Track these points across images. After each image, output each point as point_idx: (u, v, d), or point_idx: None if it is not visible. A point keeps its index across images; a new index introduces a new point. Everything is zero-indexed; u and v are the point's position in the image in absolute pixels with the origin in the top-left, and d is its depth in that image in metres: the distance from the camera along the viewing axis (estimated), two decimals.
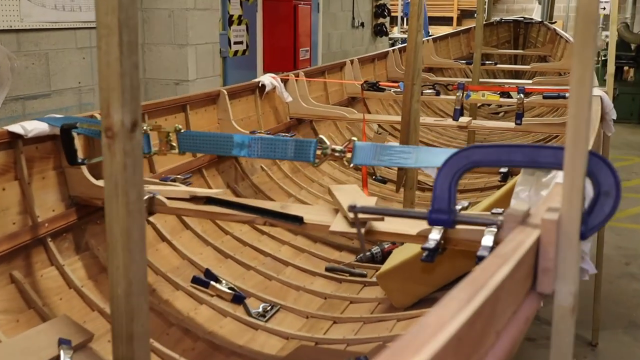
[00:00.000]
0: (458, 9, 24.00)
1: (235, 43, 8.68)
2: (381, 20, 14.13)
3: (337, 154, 2.23)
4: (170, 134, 2.45)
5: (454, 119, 4.54)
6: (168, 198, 2.64)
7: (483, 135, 7.31)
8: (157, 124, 2.95)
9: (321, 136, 2.26)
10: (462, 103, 4.51)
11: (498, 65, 8.43)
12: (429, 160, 2.14)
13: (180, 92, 6.44)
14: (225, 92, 4.17)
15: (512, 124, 4.47)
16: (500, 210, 2.32)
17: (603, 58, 10.74)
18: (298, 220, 2.44)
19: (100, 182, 2.77)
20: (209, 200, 2.61)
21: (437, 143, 6.75)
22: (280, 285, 3.32)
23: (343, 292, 3.33)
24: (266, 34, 9.30)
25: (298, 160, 2.35)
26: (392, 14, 20.40)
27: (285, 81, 5.12)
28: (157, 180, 2.80)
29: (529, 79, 8.41)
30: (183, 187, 2.76)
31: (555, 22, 11.68)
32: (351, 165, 2.22)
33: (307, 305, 3.11)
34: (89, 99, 6.14)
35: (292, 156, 2.27)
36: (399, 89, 4.80)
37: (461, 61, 8.44)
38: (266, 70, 9.00)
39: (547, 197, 1.44)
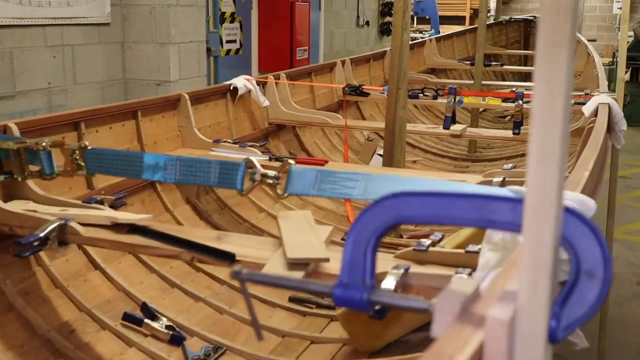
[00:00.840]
0: (471, 8, 23.48)
1: (228, 42, 8.26)
2: (388, 19, 13.69)
3: (269, 181, 1.79)
4: (77, 152, 2.01)
5: (444, 127, 4.08)
6: (84, 225, 2.21)
7: (487, 141, 6.85)
8: (63, 139, 2.51)
9: (251, 157, 1.81)
10: (454, 109, 4.04)
11: (505, 67, 7.94)
12: (382, 190, 1.69)
13: (161, 93, 6.02)
14: (186, 96, 3.73)
15: (510, 133, 4.01)
16: (476, 248, 1.89)
17: (617, 59, 10.19)
18: (229, 258, 2.00)
19: (10, 206, 2.34)
20: (133, 229, 2.18)
21: (435, 151, 6.28)
22: (232, 321, 2.87)
23: (305, 329, 2.88)
24: (262, 32, 8.88)
25: (222, 187, 1.92)
26: None
27: (263, 84, 4.68)
28: (77, 202, 2.37)
29: None
30: (106, 212, 2.32)
31: None
32: (285, 195, 1.77)
33: (260, 346, 2.67)
34: (60, 101, 5.74)
35: (215, 182, 1.83)
36: (384, 92, 4.35)
37: (466, 62, 7.95)
38: (261, 70, 8.58)
39: (506, 267, 0.99)
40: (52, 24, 5.59)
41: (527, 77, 10.13)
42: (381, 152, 5.56)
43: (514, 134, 3.92)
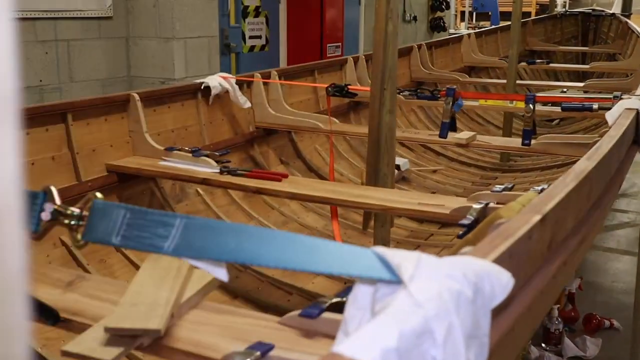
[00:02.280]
0: (537, 3, 22.42)
1: (252, 37, 7.79)
2: (439, 14, 13.00)
3: (67, 221, 1.28)
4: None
5: (440, 135, 3.46)
6: None
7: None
8: None
9: (51, 186, 1.30)
10: (454, 114, 3.42)
11: (551, 65, 7.16)
12: (204, 245, 1.16)
13: None
14: (136, 95, 3.25)
15: (519, 142, 3.36)
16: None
17: None
18: (52, 317, 1.50)
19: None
20: None
21: (462, 159, 5.63)
22: None
23: None
24: (290, 27, 8.36)
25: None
26: (461, 9, 19.16)
27: (249, 83, 4.17)
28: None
29: (590, 79, 7.13)
30: None
31: (630, 13, 10.15)
32: (82, 243, 1.25)
33: None
34: (53, 99, 5.38)
35: None
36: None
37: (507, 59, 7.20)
38: None
39: None
40: (43, 17, 5.24)
41: (584, 76, 9.29)
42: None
43: (523, 144, 3.28)
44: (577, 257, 1.69)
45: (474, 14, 19.73)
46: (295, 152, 4.54)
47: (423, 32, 12.47)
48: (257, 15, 7.85)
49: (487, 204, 2.35)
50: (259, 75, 4.22)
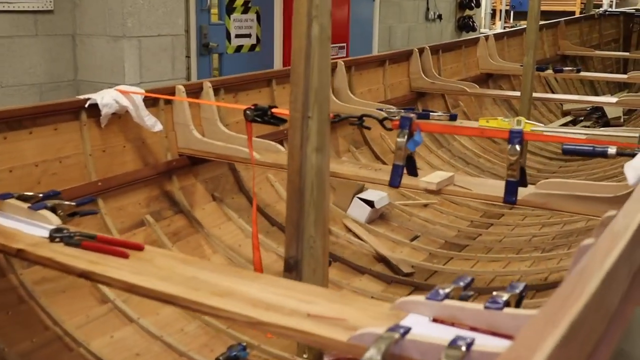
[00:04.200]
0: (581, 2, 20.97)
1: (238, 36, 6.86)
2: (468, 12, 11.92)
3: None
4: None
5: (390, 184, 2.46)
6: None
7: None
8: None
9: None
10: (410, 154, 2.42)
11: (581, 73, 6.05)
12: None
13: None
14: None
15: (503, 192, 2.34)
16: None
17: None
18: None
19: None
20: None
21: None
22: None
23: None
24: (287, 25, 7.39)
25: None
26: (494, 7, 17.94)
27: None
28: None
29: (625, 94, 6.01)
30: None
31: None
32: None
33: None
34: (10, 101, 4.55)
35: None
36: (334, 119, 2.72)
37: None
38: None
39: None
40: None
41: (624, 87, 8.12)
42: (366, 194, 3.98)
43: (505, 201, 2.27)
44: None
45: (512, 12, 18.48)
46: (237, 184, 3.59)
47: (450, 33, 11.41)
48: (245, 10, 6.91)
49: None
50: (182, 88, 3.27)
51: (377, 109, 4.11)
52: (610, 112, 6.62)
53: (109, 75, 5.06)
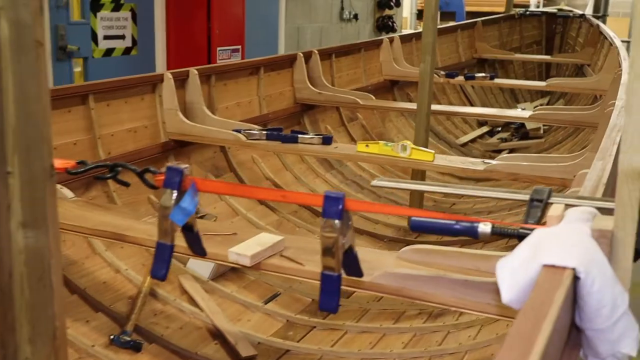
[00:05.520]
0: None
1: (108, 37, 5.90)
2: (388, 12, 11.24)
3: None
4: None
5: (152, 274, 1.61)
6: None
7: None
8: None
9: None
10: (192, 223, 1.56)
11: (495, 81, 5.33)
12: None
13: None
14: None
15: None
16: None
17: None
18: None
19: None
20: None
21: None
22: None
23: None
24: (171, 25, 6.48)
25: None
26: (421, 7, 17.33)
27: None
28: None
29: (540, 108, 5.34)
30: None
31: (605, 15, 8.33)
32: None
33: None
34: None
35: None
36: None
37: (442, 72, 5.35)
38: None
39: None
40: None
41: (548, 94, 7.53)
42: None
43: (320, 309, 1.44)
44: None
45: (438, 13, 17.91)
46: (228, 165, 2.97)
47: (368, 34, 10.70)
48: (117, 8, 5.96)
49: None
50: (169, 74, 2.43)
51: (234, 130, 3.28)
52: (530, 124, 5.96)
53: None
